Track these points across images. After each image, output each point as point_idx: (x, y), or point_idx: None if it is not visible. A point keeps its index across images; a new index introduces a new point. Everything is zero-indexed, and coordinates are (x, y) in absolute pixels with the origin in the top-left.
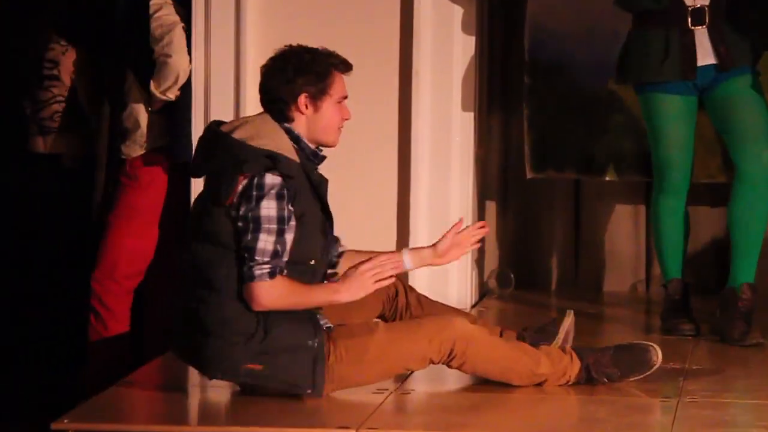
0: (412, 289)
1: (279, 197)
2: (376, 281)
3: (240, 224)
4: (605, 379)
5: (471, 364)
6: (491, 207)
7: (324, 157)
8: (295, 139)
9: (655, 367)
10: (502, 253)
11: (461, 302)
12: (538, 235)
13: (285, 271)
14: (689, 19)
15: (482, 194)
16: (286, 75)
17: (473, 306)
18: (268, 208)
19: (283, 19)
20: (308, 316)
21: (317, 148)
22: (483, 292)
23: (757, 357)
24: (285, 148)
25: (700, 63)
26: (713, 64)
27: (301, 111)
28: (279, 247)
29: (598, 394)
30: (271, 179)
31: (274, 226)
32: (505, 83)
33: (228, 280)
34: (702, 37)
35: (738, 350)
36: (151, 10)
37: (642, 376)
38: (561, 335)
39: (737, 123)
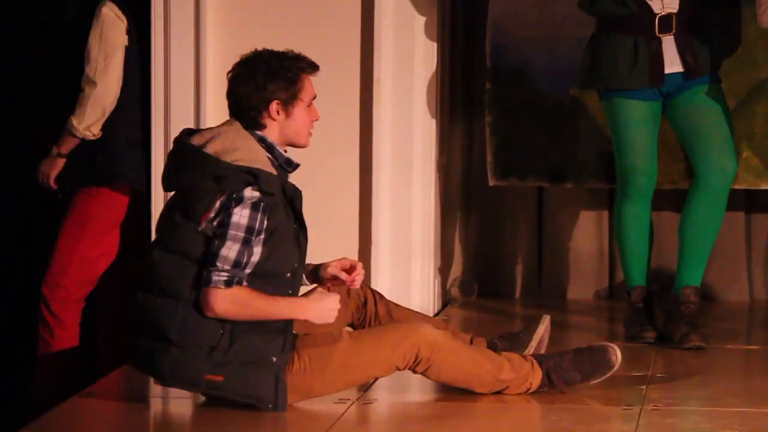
0: (381, 296)
1: (254, 207)
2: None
3: (215, 233)
4: (565, 384)
5: (435, 370)
6: (454, 215)
7: (297, 165)
8: (269, 147)
9: (615, 368)
10: (465, 261)
11: (424, 310)
12: (501, 242)
13: (244, 282)
14: (657, 27)
15: (445, 202)
16: (256, 82)
17: (436, 314)
18: (240, 215)
19: (242, 26)
20: (280, 329)
21: (286, 152)
22: (446, 300)
23: (720, 364)
24: (261, 160)
25: (667, 70)
26: (680, 72)
27: (273, 117)
28: (242, 258)
29: (560, 403)
30: (250, 193)
31: (241, 235)
32: (468, 90)
33: (192, 290)
34: (669, 44)
35: (700, 357)
36: (97, 21)
37: (603, 378)
38: (534, 343)
39: (702, 133)
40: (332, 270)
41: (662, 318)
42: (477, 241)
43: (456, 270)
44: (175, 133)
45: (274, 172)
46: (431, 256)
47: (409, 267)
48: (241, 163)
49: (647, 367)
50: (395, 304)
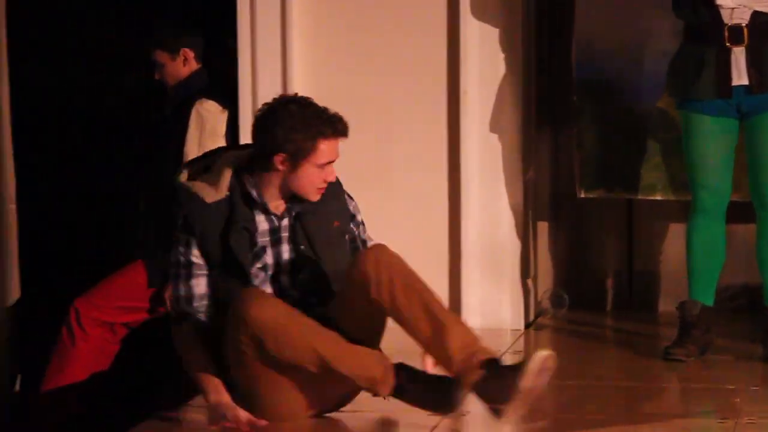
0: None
1: (177, 240)
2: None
3: None
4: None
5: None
6: (543, 227)
7: (283, 216)
8: (249, 185)
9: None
10: (556, 274)
11: (514, 322)
12: (591, 255)
13: (197, 317)
14: (726, 37)
15: (534, 214)
16: (272, 127)
17: (527, 327)
18: (174, 254)
19: (328, 38)
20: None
21: (290, 199)
22: (537, 312)
23: None
24: (208, 190)
25: (735, 82)
26: (746, 86)
27: (277, 167)
28: (180, 293)
29: (655, 414)
30: (179, 219)
31: (173, 270)
32: (554, 102)
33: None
34: (740, 56)
35: None
36: (197, 116)
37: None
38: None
39: (761, 156)
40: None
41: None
42: (568, 254)
43: (547, 282)
44: None
45: (213, 200)
46: (522, 268)
47: (498, 279)
48: (185, 183)
49: (740, 381)
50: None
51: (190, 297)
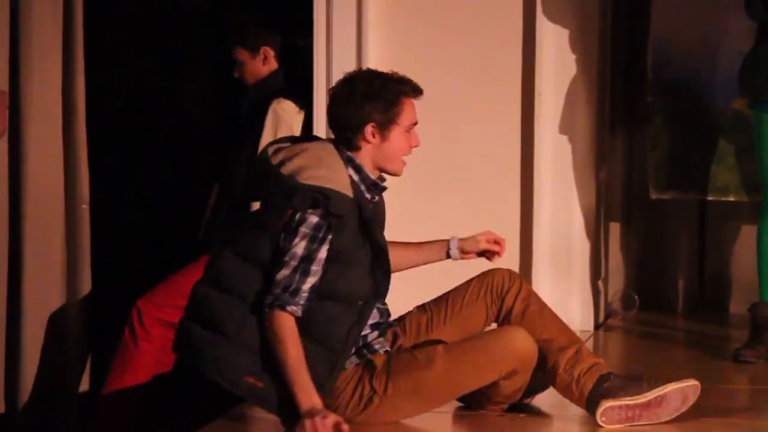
0: (523, 291)
1: (311, 238)
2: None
3: (277, 254)
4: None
5: (514, 380)
6: (615, 228)
7: (384, 188)
8: (356, 168)
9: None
10: (626, 274)
11: (584, 323)
12: (663, 256)
13: (290, 307)
14: None
15: (606, 215)
16: (353, 102)
17: (597, 327)
18: (298, 246)
19: (403, 36)
20: (336, 351)
21: (380, 177)
22: (607, 313)
23: None
24: (339, 181)
25: None
26: None
27: (368, 140)
28: (292, 282)
29: (726, 419)
30: (310, 218)
31: (294, 263)
32: (629, 103)
33: (256, 294)
34: None
35: None
36: (274, 116)
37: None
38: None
39: None
40: (483, 245)
41: None
42: (639, 255)
43: (617, 283)
44: None
45: (350, 194)
46: (592, 268)
47: (569, 280)
48: (313, 182)
49: None
50: (536, 301)
51: (299, 290)
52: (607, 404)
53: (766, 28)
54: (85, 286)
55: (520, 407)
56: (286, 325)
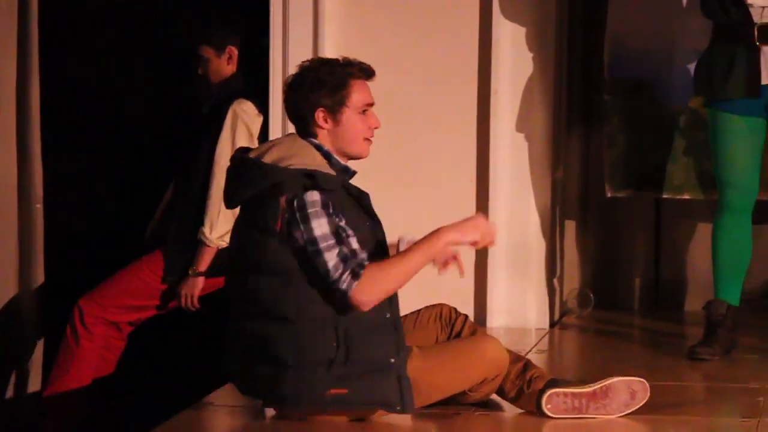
0: (467, 318)
1: (326, 213)
2: (489, 234)
3: (302, 254)
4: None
5: (485, 390)
6: (571, 226)
7: (354, 173)
8: (326, 155)
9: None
10: (582, 273)
11: (540, 321)
12: (618, 254)
13: (366, 262)
14: (756, 36)
15: (562, 213)
16: (302, 90)
17: (553, 326)
18: (320, 227)
19: (359, 36)
20: (390, 327)
21: (346, 163)
22: (563, 311)
23: None
24: (319, 163)
25: (765, 81)
26: None
27: (321, 126)
28: (346, 251)
29: (676, 415)
30: (310, 197)
31: (332, 242)
32: (585, 101)
33: (298, 307)
34: None
35: None
36: (233, 119)
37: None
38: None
39: None
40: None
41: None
42: (594, 253)
43: (573, 281)
44: None
45: (333, 172)
46: (548, 267)
47: (525, 278)
48: (298, 167)
49: (765, 379)
50: (480, 329)
51: (354, 250)
52: (551, 391)
53: (721, 27)
54: (39, 283)
55: (480, 403)
56: (373, 275)
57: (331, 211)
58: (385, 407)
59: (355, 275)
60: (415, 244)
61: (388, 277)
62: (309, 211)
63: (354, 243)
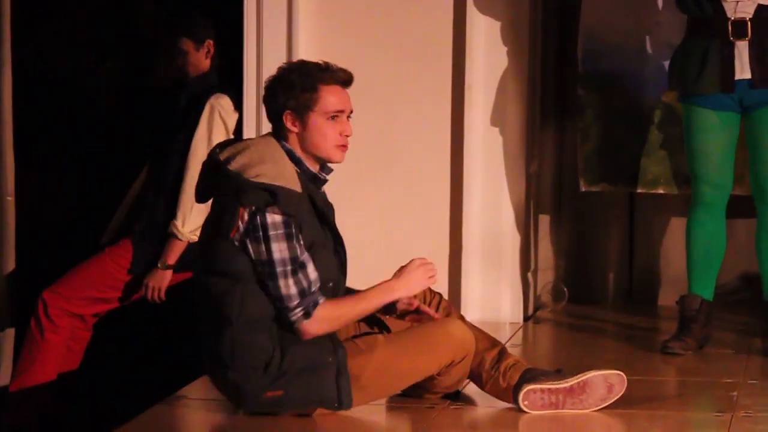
0: (442, 299)
1: (287, 237)
2: (430, 277)
3: (258, 267)
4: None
5: (453, 373)
6: (545, 220)
7: (325, 180)
8: (296, 162)
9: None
10: (556, 267)
11: (514, 315)
12: (592, 248)
13: (321, 299)
14: (730, 31)
15: (536, 208)
16: (273, 92)
17: (527, 320)
18: (279, 251)
19: (333, 33)
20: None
21: (321, 168)
22: (537, 305)
23: None
24: (287, 174)
25: (738, 77)
26: (749, 80)
27: (290, 128)
28: (303, 284)
29: (649, 410)
30: (271, 219)
31: (289, 268)
32: (559, 96)
33: (239, 310)
34: (743, 50)
35: None
36: (209, 113)
37: None
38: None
39: (761, 149)
40: (401, 306)
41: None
42: (568, 247)
43: (547, 275)
44: None
45: (298, 188)
46: (522, 261)
47: (499, 272)
48: (263, 179)
49: (737, 375)
50: (455, 310)
51: (311, 284)
52: (528, 387)
53: (696, 22)
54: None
55: (454, 396)
56: (324, 315)
57: (292, 232)
58: (323, 405)
59: (307, 315)
60: (369, 291)
61: (338, 320)
62: (270, 233)
63: (311, 272)
